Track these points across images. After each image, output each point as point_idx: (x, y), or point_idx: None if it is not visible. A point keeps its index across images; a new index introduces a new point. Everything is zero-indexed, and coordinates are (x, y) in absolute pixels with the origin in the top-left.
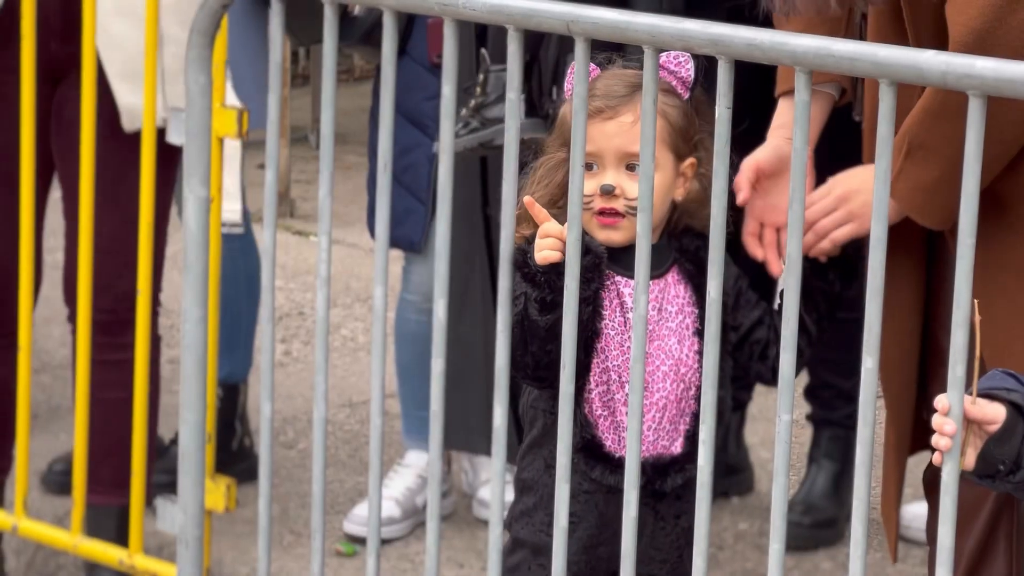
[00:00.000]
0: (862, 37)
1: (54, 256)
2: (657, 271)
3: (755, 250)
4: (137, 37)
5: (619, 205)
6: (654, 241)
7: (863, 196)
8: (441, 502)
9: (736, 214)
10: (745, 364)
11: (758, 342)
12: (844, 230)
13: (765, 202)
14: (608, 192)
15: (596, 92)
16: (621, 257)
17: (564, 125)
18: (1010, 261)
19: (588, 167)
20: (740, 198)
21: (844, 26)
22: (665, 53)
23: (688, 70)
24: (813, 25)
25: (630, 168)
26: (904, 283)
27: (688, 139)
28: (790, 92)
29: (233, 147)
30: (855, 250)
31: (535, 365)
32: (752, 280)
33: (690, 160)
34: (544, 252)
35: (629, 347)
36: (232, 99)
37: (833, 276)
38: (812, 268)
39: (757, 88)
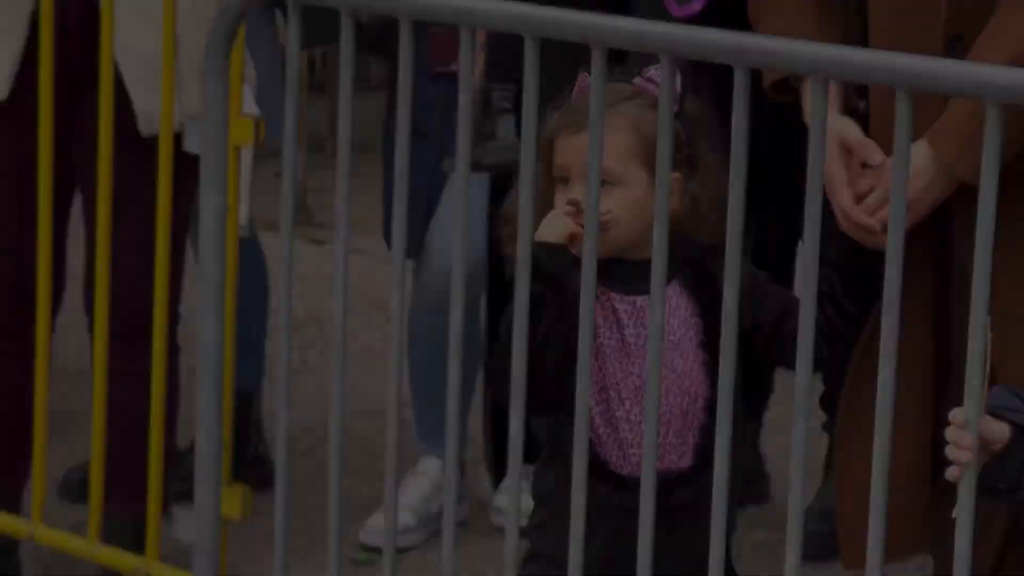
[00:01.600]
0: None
1: (70, 264)
2: None
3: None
4: (153, 41)
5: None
6: (636, 257)
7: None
8: (456, 507)
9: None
10: (778, 360)
11: (790, 333)
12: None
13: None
14: (573, 206)
15: (570, 107)
16: (616, 273)
17: (542, 141)
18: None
19: (564, 180)
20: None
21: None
22: (654, 67)
23: (678, 83)
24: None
25: (601, 183)
26: (917, 302)
27: None
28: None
29: (244, 151)
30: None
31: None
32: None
33: (672, 176)
34: (554, 224)
35: (627, 364)
36: (251, 107)
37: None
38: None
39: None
